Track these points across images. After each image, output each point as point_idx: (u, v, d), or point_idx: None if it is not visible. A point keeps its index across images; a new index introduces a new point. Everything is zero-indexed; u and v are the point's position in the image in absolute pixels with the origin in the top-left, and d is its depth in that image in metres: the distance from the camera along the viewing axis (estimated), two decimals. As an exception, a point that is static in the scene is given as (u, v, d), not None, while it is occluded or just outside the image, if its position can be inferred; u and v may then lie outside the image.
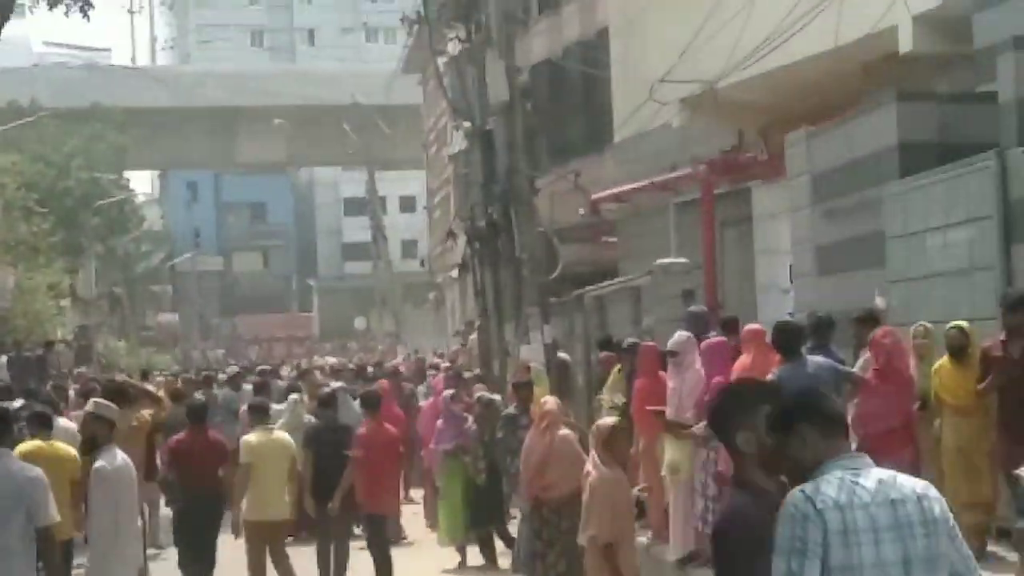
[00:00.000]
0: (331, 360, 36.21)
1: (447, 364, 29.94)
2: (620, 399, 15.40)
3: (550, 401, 12.65)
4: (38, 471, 8.76)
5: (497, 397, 17.28)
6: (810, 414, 4.68)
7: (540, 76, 30.38)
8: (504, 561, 15.62)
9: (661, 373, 13.44)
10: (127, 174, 71.79)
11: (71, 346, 46.55)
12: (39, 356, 29.20)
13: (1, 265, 36.43)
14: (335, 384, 20.09)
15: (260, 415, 13.73)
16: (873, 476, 4.57)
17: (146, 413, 14.34)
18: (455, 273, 41.56)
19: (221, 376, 29.19)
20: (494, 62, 22.79)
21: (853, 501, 4.48)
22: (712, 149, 21.59)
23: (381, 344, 65.50)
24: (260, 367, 35.87)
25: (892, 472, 4.65)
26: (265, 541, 13.13)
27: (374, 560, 14.09)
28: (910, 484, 4.60)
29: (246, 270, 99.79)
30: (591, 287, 27.25)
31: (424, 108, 59.67)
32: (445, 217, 47.80)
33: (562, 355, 21.56)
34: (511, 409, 15.32)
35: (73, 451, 10.95)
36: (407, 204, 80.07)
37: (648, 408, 13.49)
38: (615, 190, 25.32)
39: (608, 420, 10.71)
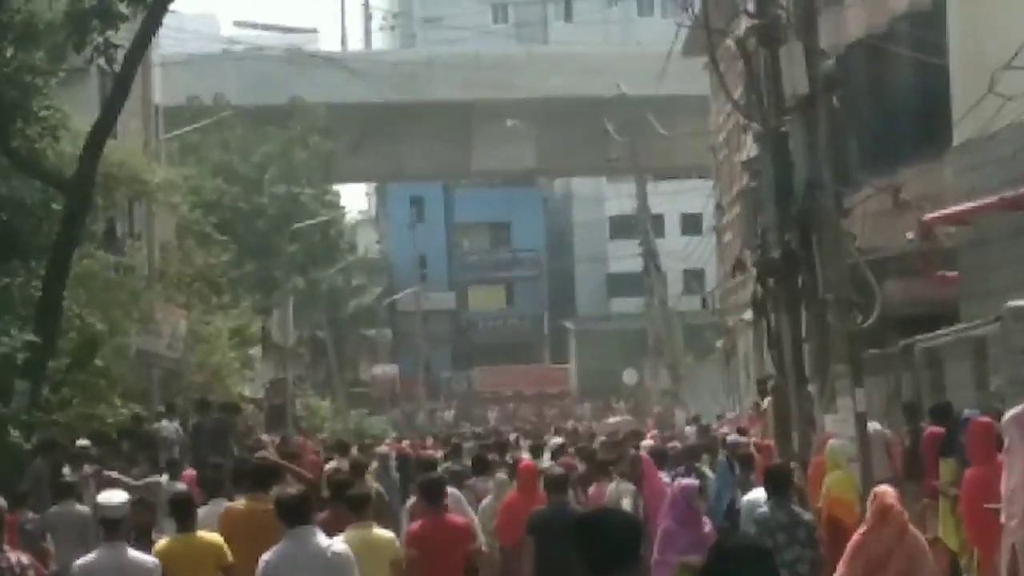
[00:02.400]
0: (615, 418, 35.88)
1: (732, 435, 29.72)
2: (953, 490, 15.05)
3: (889, 493, 12.30)
4: (345, 547, 11.89)
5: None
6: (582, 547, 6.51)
7: (854, 61, 29.98)
8: None
9: (1001, 458, 13.06)
10: (334, 187, 73.47)
11: (262, 407, 47.78)
12: (216, 422, 29.90)
13: (171, 306, 37.45)
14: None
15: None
16: None
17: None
18: (749, 315, 41.27)
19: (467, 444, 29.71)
20: (791, 44, 22.61)
21: None
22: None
23: (657, 404, 65.56)
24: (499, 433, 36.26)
25: None
26: None
27: None
28: None
29: (485, 309, 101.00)
30: (920, 336, 26.74)
31: (712, 101, 59.54)
32: (738, 242, 47.56)
33: (875, 426, 21.21)
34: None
35: (217, 539, 13.11)
36: (690, 224, 79.80)
37: (984, 506, 13.14)
38: (954, 209, 24.83)
39: None
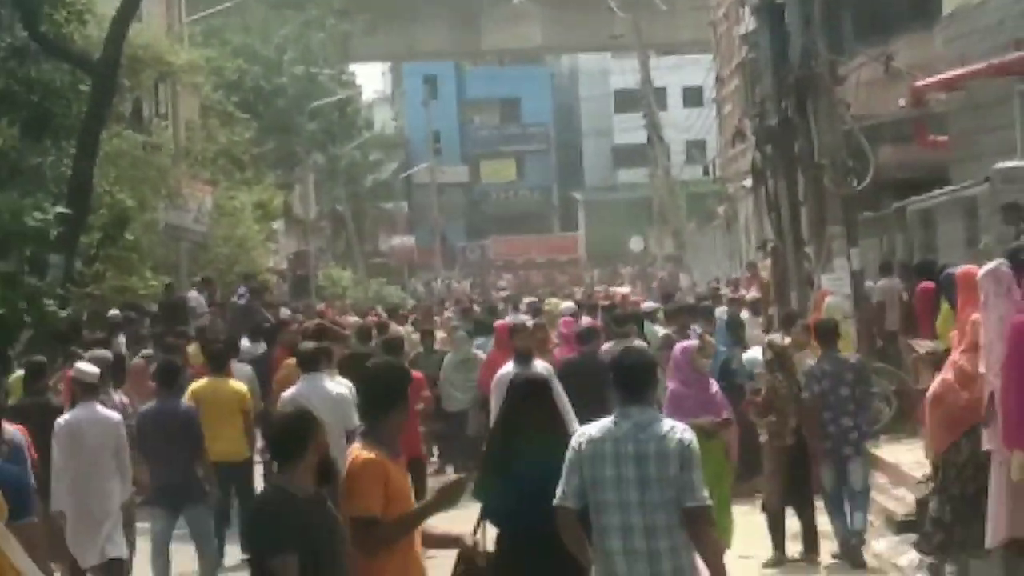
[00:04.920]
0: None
1: (729, 293, 29.74)
2: (938, 345, 14.98)
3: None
4: (345, 390, 14.33)
5: (787, 341, 16.92)
6: (613, 379, 8.46)
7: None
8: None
9: (978, 314, 12.93)
10: (351, 68, 73.03)
11: (285, 277, 47.86)
12: (248, 299, 29.86)
13: (197, 182, 37.35)
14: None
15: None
16: (633, 420, 8.25)
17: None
18: (749, 182, 41.23)
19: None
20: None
21: (605, 436, 8.26)
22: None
23: (662, 269, 65.60)
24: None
25: (655, 418, 8.34)
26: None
27: None
28: (661, 428, 8.24)
29: (496, 181, 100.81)
30: (912, 199, 26.68)
31: (710, -24, 59.08)
32: (738, 112, 47.36)
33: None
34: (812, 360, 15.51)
35: (244, 386, 16.56)
36: (691, 97, 79.41)
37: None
38: (944, 75, 24.64)
39: None
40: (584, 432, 8.39)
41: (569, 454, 8.37)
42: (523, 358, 16.28)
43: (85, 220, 26.10)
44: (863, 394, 15.46)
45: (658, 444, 8.18)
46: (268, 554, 7.49)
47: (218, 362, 16.77)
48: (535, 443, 9.09)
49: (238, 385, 16.58)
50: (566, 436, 8.90)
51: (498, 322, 21.96)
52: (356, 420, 12.64)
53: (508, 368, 15.98)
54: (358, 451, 8.13)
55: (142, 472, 14.68)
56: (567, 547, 8.46)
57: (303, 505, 7.58)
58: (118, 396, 15.14)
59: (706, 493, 8.31)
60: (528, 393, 9.46)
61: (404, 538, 8.09)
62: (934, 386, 12.92)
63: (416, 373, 16.36)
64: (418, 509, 8.18)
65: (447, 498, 8.13)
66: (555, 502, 8.34)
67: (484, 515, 9.32)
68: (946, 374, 12.81)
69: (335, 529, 7.72)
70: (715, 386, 14.72)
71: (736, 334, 19.61)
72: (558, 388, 15.95)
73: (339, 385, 14.69)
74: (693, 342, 15.35)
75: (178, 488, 14.19)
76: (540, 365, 16.42)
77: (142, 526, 14.90)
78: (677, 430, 8.26)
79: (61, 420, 13.38)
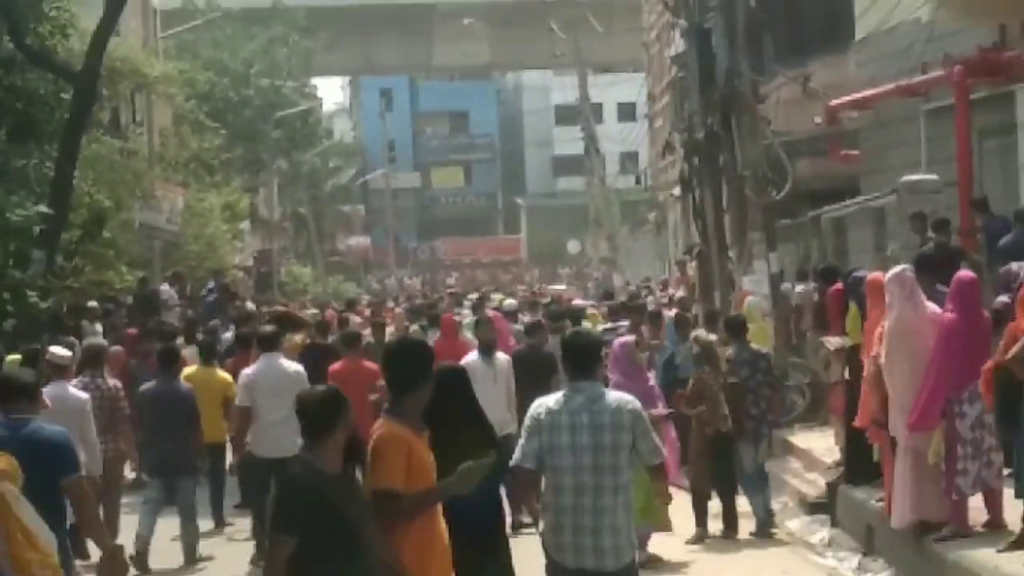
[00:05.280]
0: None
1: (659, 292, 29.89)
2: (847, 341, 15.07)
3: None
4: (300, 367, 14.86)
5: (713, 337, 17.00)
6: (564, 358, 8.86)
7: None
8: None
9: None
10: (313, 81, 72.92)
11: (250, 273, 47.74)
12: (217, 296, 29.88)
13: (170, 185, 37.24)
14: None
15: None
16: (585, 394, 8.55)
17: (296, 339, 19.12)
18: (677, 191, 41.40)
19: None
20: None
21: (561, 408, 8.53)
22: (969, 46, 20.99)
23: (596, 270, 65.71)
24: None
25: (603, 392, 8.63)
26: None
27: None
28: (611, 401, 8.56)
29: (446, 187, 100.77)
30: (827, 208, 26.90)
31: (644, 1, 59.24)
32: (668, 127, 47.50)
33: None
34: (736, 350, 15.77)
35: (229, 377, 16.48)
36: (625, 112, 79.50)
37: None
38: (855, 95, 24.83)
39: None
40: (542, 403, 8.68)
41: (528, 422, 8.65)
42: (485, 349, 16.39)
43: (65, 218, 25.91)
44: (775, 381, 16.18)
45: (612, 415, 8.52)
46: (272, 528, 7.20)
47: (208, 353, 17.33)
48: (452, 430, 8.57)
49: (224, 375, 16.93)
50: (484, 424, 8.99)
51: (444, 315, 22.14)
52: None
53: (473, 357, 15.95)
54: (383, 426, 7.82)
55: (133, 449, 15.30)
56: (517, 498, 9.01)
57: (330, 482, 7.23)
58: (112, 380, 15.30)
59: (664, 451, 9.09)
60: (443, 383, 8.62)
61: (425, 512, 7.80)
62: (869, 365, 12.93)
63: (372, 364, 16.27)
64: (440, 486, 7.81)
65: (468, 478, 7.77)
66: (512, 462, 8.58)
67: None
68: (876, 350, 12.83)
69: (361, 507, 7.39)
70: (652, 379, 14.87)
71: (683, 332, 19.61)
72: (511, 378, 16.37)
73: (294, 364, 15.10)
74: (630, 337, 15.54)
75: (175, 462, 14.64)
76: (501, 356, 16.69)
77: (128, 500, 15.22)
78: (625, 402, 8.65)
79: None
